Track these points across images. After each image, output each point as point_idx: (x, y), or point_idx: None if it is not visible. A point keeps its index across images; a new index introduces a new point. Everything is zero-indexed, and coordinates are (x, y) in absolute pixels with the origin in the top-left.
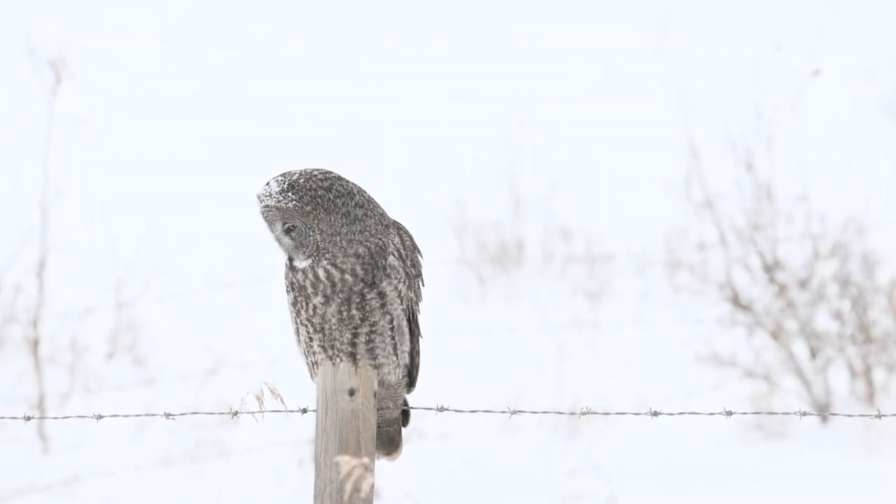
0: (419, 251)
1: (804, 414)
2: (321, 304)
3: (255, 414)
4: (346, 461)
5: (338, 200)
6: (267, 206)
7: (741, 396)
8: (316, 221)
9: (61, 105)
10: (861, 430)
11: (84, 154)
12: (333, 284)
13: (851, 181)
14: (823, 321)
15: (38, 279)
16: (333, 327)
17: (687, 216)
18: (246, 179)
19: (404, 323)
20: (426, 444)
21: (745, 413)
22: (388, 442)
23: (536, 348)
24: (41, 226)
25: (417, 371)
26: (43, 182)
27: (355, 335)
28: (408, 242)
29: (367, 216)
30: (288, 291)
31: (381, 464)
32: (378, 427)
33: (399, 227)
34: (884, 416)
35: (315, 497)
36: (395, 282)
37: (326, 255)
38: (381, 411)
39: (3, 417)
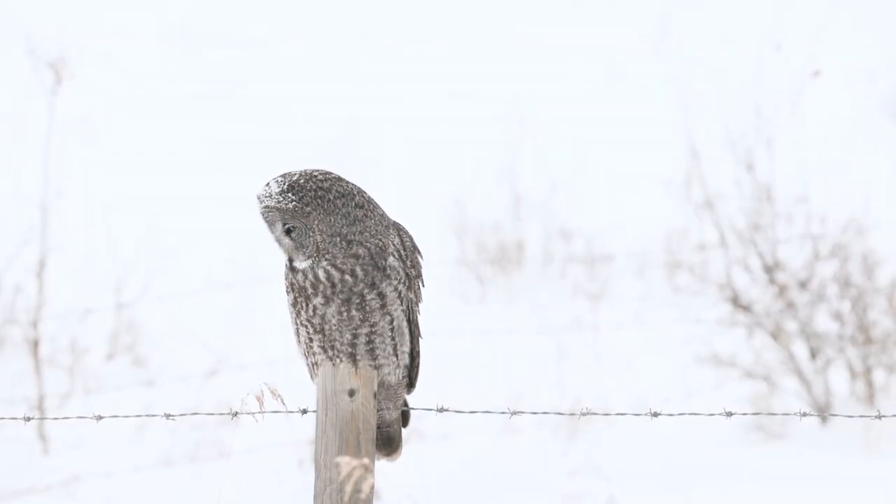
0: (419, 252)
1: (804, 414)
2: (321, 304)
3: (255, 414)
4: (346, 462)
5: (338, 201)
6: (267, 206)
7: (741, 397)
8: (316, 222)
9: (61, 105)
10: (861, 431)
11: (84, 154)
12: (333, 285)
13: (851, 182)
14: (823, 322)
15: (38, 280)
16: (333, 328)
17: (687, 217)
18: (246, 179)
19: (404, 324)
20: (426, 445)
21: (745, 414)
22: (388, 442)
23: (536, 349)
24: (41, 226)
25: (417, 372)
26: (43, 182)
27: (355, 336)
28: (408, 243)
29: (367, 217)
30: (288, 292)
31: (381, 464)
32: (378, 428)
33: (399, 228)
34: (884, 416)
35: (315, 498)
36: (395, 282)
37: (326, 256)
38: (380, 412)
39: (3, 418)
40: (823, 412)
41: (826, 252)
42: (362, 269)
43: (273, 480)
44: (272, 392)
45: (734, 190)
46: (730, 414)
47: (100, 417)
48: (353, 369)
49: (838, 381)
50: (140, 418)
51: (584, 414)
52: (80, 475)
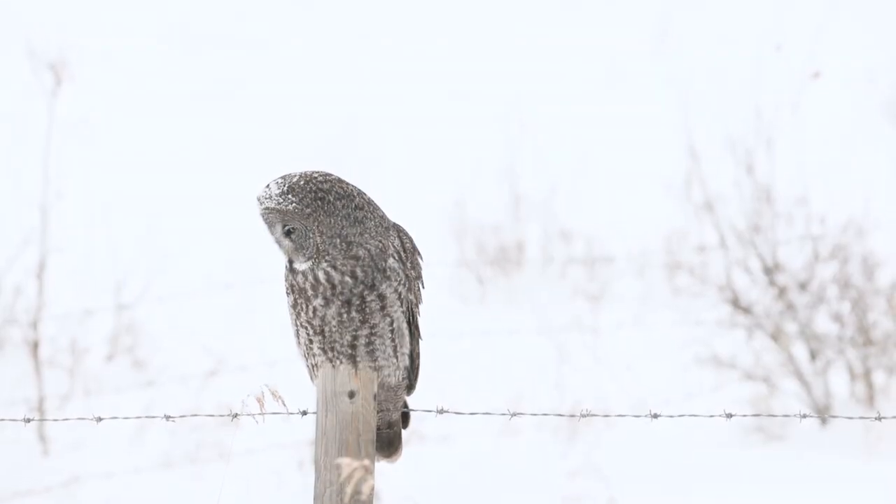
0: (419, 253)
1: (804, 416)
2: (321, 306)
3: (255, 416)
4: (346, 463)
5: (338, 203)
6: (267, 208)
7: (741, 398)
8: (316, 224)
9: (61, 106)
10: (861, 432)
11: (84, 155)
12: (333, 287)
13: (851, 183)
14: (823, 323)
15: (38, 281)
16: (333, 329)
17: (687, 218)
18: (246, 179)
19: (404, 325)
20: (426, 447)
21: (744, 415)
22: (388, 444)
23: (536, 350)
24: (41, 227)
25: (417, 373)
26: (43, 183)
27: (355, 337)
28: (408, 244)
29: (367, 218)
30: (288, 293)
31: (381, 466)
32: (378, 429)
33: (399, 230)
34: (883, 418)
35: (315, 499)
36: (395, 284)
37: (326, 258)
38: (380, 413)
39: (2, 419)
40: (823, 414)
41: (826, 253)
42: (362, 271)
43: (273, 482)
44: (272, 393)
45: (734, 191)
46: (730, 415)
47: (100, 419)
48: (353, 371)
49: (838, 382)
50: (140, 419)
51: (583, 415)
52: (80, 476)
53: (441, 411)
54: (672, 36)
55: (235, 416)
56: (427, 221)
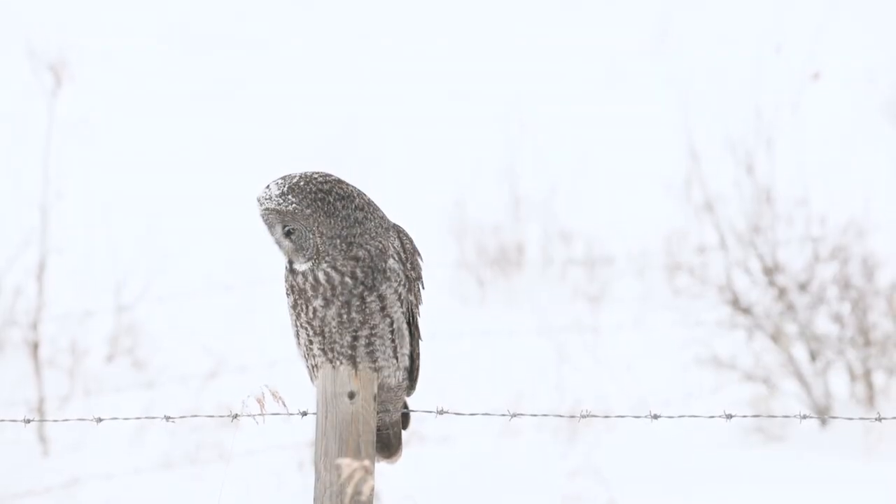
0: (419, 254)
1: (804, 417)
2: (321, 306)
3: (255, 417)
4: (346, 464)
5: (338, 203)
6: (267, 209)
7: (741, 399)
8: (316, 224)
9: (61, 106)
10: (861, 433)
11: (84, 155)
12: (333, 287)
13: (851, 184)
14: (823, 324)
15: (38, 281)
16: (333, 330)
17: (687, 219)
18: (246, 180)
19: (404, 326)
20: (426, 447)
21: (744, 416)
22: (388, 445)
23: (536, 351)
24: (41, 228)
25: (417, 374)
26: (43, 183)
27: (355, 338)
28: (408, 245)
29: (367, 219)
30: (288, 294)
31: (381, 467)
32: (378, 430)
33: (399, 230)
34: (883, 419)
35: (315, 500)
36: (395, 285)
37: (326, 258)
38: (380, 414)
39: (2, 420)
40: (823, 414)
41: (826, 254)
42: (362, 272)
43: (273, 482)
44: (273, 394)
45: (734, 192)
46: (730, 416)
47: (100, 419)
48: (353, 371)
49: (838, 383)
50: (140, 420)
51: (583, 416)
52: (80, 477)
53: (441, 412)
54: (672, 36)
55: (235, 416)
56: (427, 222)
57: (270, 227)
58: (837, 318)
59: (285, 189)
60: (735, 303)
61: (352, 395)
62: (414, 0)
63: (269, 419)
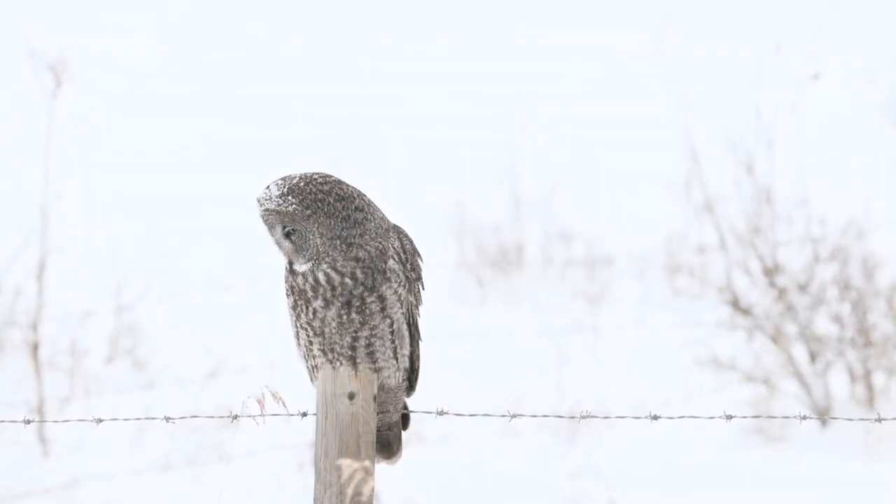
0: (419, 255)
1: (804, 418)
2: (321, 307)
3: (255, 417)
4: (346, 464)
5: (338, 204)
6: (267, 209)
7: (741, 400)
8: (316, 225)
9: (61, 106)
10: (861, 434)
11: (84, 155)
12: (333, 288)
13: (852, 184)
14: (823, 325)
15: (38, 282)
16: (333, 331)
17: (687, 219)
18: (246, 180)
19: (404, 326)
20: (426, 448)
21: (744, 417)
22: (388, 445)
23: (536, 352)
24: (41, 228)
25: (417, 375)
26: (43, 184)
27: (355, 339)
28: (408, 246)
29: (367, 220)
30: (288, 295)
31: (381, 467)
32: (378, 430)
33: (399, 231)
34: (884, 419)
35: (315, 501)
36: (395, 285)
37: (326, 259)
38: (380, 415)
39: (2, 421)
40: (823, 415)
41: (826, 255)
42: (362, 272)
43: (273, 483)
44: (273, 395)
45: (734, 192)
46: (729, 417)
47: (100, 420)
48: (353, 372)
49: (838, 384)
50: (140, 421)
51: (583, 417)
52: (80, 478)
53: (441, 413)
54: (672, 36)
55: (235, 417)
56: (427, 222)
57: (270, 227)
58: (837, 319)
59: (285, 190)
60: (735, 303)
61: (352, 396)
62: (414, 0)
63: (269, 420)
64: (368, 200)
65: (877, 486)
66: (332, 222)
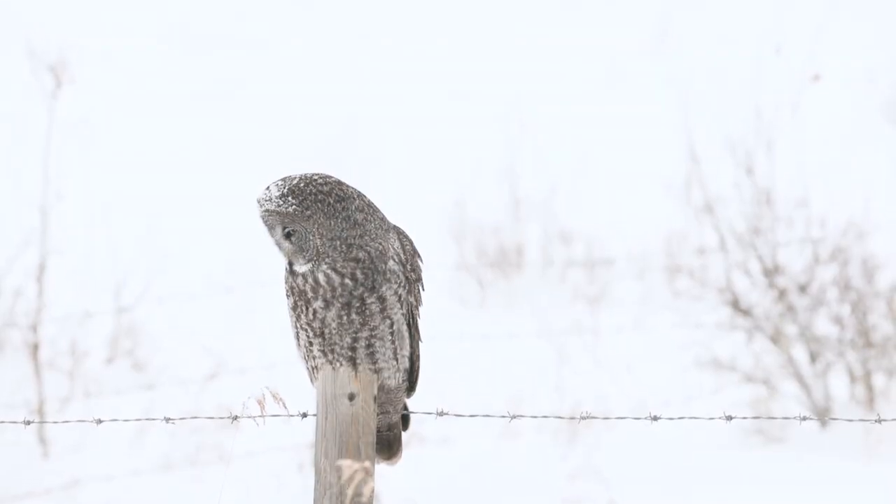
0: (419, 255)
1: (804, 418)
2: (321, 308)
3: (255, 418)
4: (346, 465)
5: (338, 205)
6: (267, 210)
7: (741, 401)
8: (316, 226)
9: (61, 107)
10: (861, 435)
11: (84, 156)
12: (333, 289)
13: (851, 185)
14: (823, 326)
15: (38, 283)
16: (333, 332)
17: (687, 220)
18: (246, 180)
19: (404, 327)
20: (426, 449)
21: (744, 417)
22: (388, 446)
23: (536, 353)
24: (41, 229)
25: (417, 375)
26: (43, 184)
27: (355, 340)
28: (408, 247)
29: (367, 221)
30: (288, 296)
31: (381, 468)
32: (378, 431)
33: (399, 232)
34: (883, 420)
35: (315, 501)
36: (395, 286)
37: (326, 260)
38: (380, 416)
39: (2, 422)
40: (823, 416)
41: (826, 256)
42: (362, 273)
43: (273, 484)
44: (273, 395)
45: (734, 193)
46: (730, 418)
47: (100, 421)
48: (353, 373)
49: (838, 384)
50: (140, 422)
51: (583, 417)
52: (80, 479)
53: (441, 413)
54: (672, 36)
55: (235, 418)
56: (427, 223)
57: (270, 228)
58: (837, 320)
59: (285, 191)
60: (735, 304)
61: (352, 397)
62: (414, 0)
63: (270, 421)
64: (368, 201)
65: (877, 487)
66: (332, 223)
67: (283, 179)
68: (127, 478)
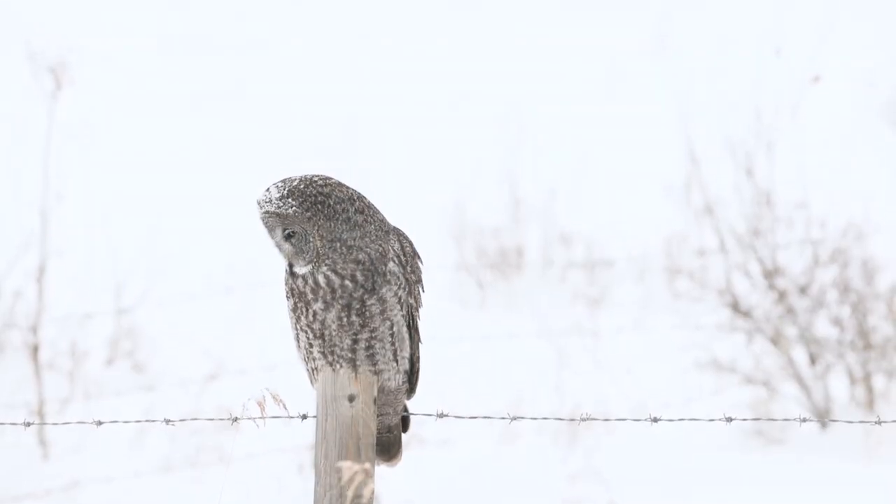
0: (419, 257)
1: (804, 420)
2: (321, 310)
3: (255, 420)
4: (346, 467)
5: (338, 206)
6: (267, 212)
7: (741, 402)
8: (316, 227)
9: (61, 109)
10: (861, 436)
11: (84, 157)
12: (333, 290)
13: (851, 187)
14: (823, 327)
15: (38, 284)
16: (333, 333)
17: (687, 222)
18: (246, 180)
19: (404, 329)
20: (426, 450)
21: (744, 419)
22: (388, 448)
23: (536, 354)
24: (41, 230)
25: (417, 377)
26: (43, 186)
27: (355, 341)
28: (408, 248)
29: (367, 222)
30: (288, 297)
31: (381, 470)
32: (378, 433)
33: (399, 233)
34: (883, 422)
35: (315, 503)
36: (395, 288)
37: (326, 261)
38: (380, 417)
39: (2, 423)
40: (823, 418)
41: (826, 257)
42: (362, 275)
43: (273, 486)
44: (273, 397)
45: (734, 195)
46: (730, 419)
47: (100, 423)
48: (353, 375)
49: (838, 386)
50: (140, 423)
51: (583, 419)
52: (80, 480)
53: (441, 415)
54: (672, 37)
55: (235, 419)
56: (427, 225)
57: (270, 230)
58: (837, 322)
59: (285, 192)
60: (735, 306)
61: (352, 399)
62: (414, 0)
63: (270, 422)
64: (368, 203)
65: (876, 488)
66: (333, 224)
67: (284, 181)
68: (127, 479)
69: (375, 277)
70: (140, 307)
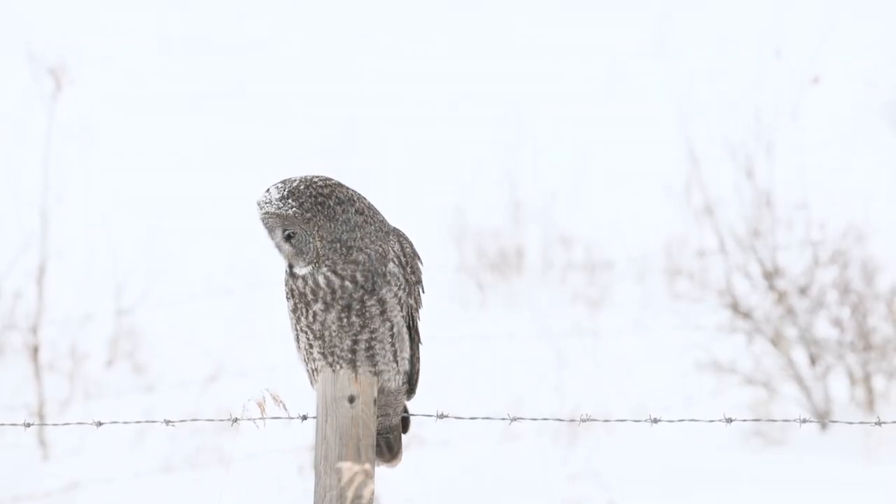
0: (419, 258)
1: (804, 421)
2: (321, 310)
3: (255, 420)
4: (346, 468)
5: (338, 207)
6: (267, 212)
7: (741, 403)
8: (316, 228)
9: (61, 109)
10: (861, 437)
11: (84, 158)
12: (333, 291)
13: (851, 188)
14: (823, 328)
15: (38, 285)
16: (333, 334)
17: (687, 223)
18: (246, 180)
19: (404, 330)
20: (426, 451)
21: (744, 420)
22: (388, 448)
23: (536, 355)
24: (41, 231)
25: (417, 378)
26: (43, 187)
27: (355, 342)
28: (408, 249)
29: (367, 223)
30: (288, 298)
31: (382, 471)
32: (378, 434)
33: (399, 234)
34: (883, 423)
35: None
36: (395, 288)
37: (326, 262)
38: (380, 418)
39: (2, 424)
40: (823, 418)
41: (826, 258)
42: (362, 275)
43: (273, 486)
44: (273, 398)
45: (734, 196)
46: (730, 420)
47: (100, 423)
48: (353, 375)
49: (838, 387)
50: (140, 424)
51: (583, 420)
52: (80, 481)
53: (441, 416)
54: (672, 37)
55: (235, 420)
56: (427, 226)
57: (271, 230)
58: (837, 323)
59: (285, 193)
60: (735, 307)
61: (352, 399)
62: (414, 0)
63: (270, 423)
64: (368, 203)
65: (876, 489)
66: (333, 225)
67: (284, 182)
68: (127, 480)
69: (375, 278)
70: (140, 308)
